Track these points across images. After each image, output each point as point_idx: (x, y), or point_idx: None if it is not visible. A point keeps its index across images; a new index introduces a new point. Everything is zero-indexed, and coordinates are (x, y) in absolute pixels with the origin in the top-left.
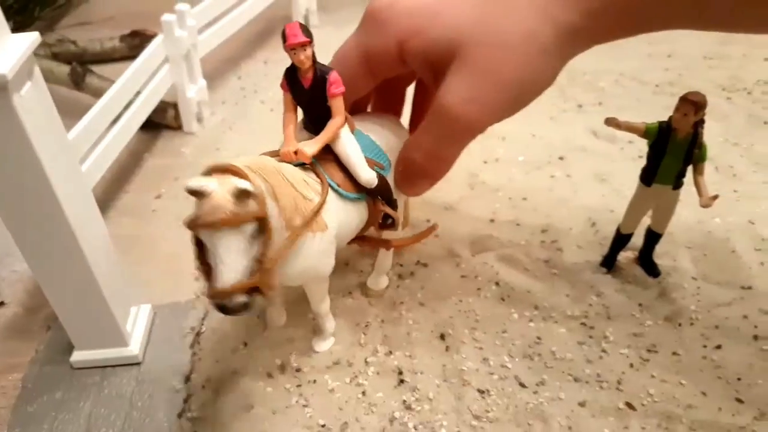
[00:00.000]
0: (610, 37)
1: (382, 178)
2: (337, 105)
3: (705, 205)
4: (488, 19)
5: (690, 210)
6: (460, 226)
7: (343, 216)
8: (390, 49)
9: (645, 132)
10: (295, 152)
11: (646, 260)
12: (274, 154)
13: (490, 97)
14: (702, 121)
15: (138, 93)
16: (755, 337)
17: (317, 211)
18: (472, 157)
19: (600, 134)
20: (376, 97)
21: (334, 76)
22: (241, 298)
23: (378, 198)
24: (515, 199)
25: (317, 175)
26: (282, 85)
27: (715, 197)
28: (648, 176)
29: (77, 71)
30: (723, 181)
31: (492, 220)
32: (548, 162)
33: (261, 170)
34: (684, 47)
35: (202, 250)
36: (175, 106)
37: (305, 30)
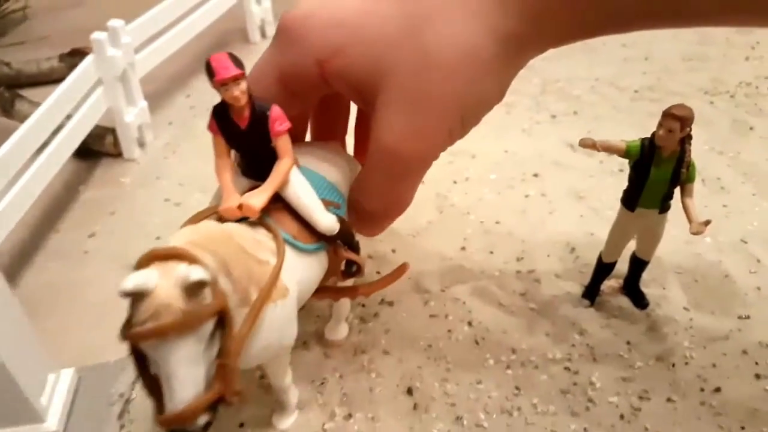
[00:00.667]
0: (562, 42)
1: (341, 221)
2: (284, 144)
3: (696, 232)
4: (419, 33)
5: (678, 229)
6: (429, 255)
7: (302, 272)
8: (309, 70)
9: (626, 152)
10: (240, 207)
11: (633, 289)
12: (212, 211)
13: (432, 127)
14: (689, 137)
15: (69, 118)
16: (757, 376)
17: (276, 275)
18: (440, 176)
19: (576, 147)
20: (313, 122)
21: (276, 111)
22: (203, 419)
23: (339, 243)
24: (487, 223)
25: (268, 230)
26: (210, 128)
27: (708, 222)
28: (631, 200)
29: (5, 96)
30: (710, 194)
31: (463, 248)
32: (522, 180)
33: (210, 243)
34: (661, 49)
35: (142, 362)
36: (113, 131)
37: (236, 60)
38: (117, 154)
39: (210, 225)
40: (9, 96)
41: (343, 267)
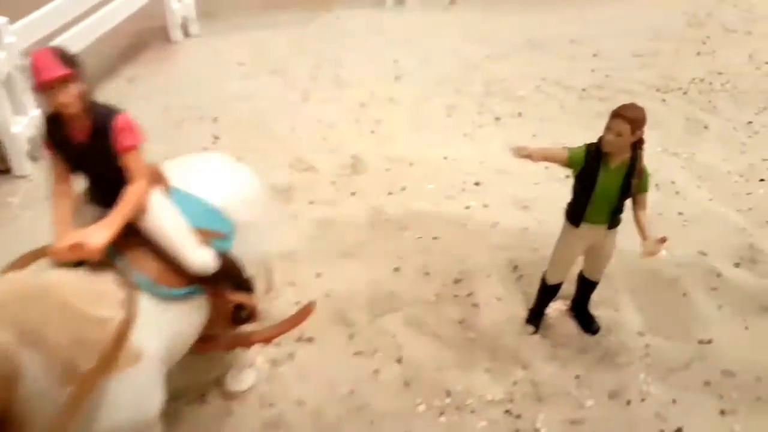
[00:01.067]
0: None
1: (224, 257)
2: (134, 162)
3: (650, 253)
4: None
5: (631, 242)
6: (358, 279)
7: (169, 325)
8: None
9: (568, 160)
10: (75, 246)
11: (581, 312)
12: (41, 253)
13: None
14: (641, 141)
15: None
16: (722, 412)
17: (122, 336)
18: (374, 186)
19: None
20: None
21: (122, 121)
22: None
23: (223, 285)
24: (425, 239)
25: (117, 274)
26: (45, 145)
27: (664, 240)
28: (575, 214)
29: None
30: (665, 201)
31: (397, 269)
32: (462, 189)
33: (9, 304)
34: (611, 45)
35: None
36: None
37: (65, 58)
38: (5, 171)
39: (21, 277)
40: None
41: (231, 313)
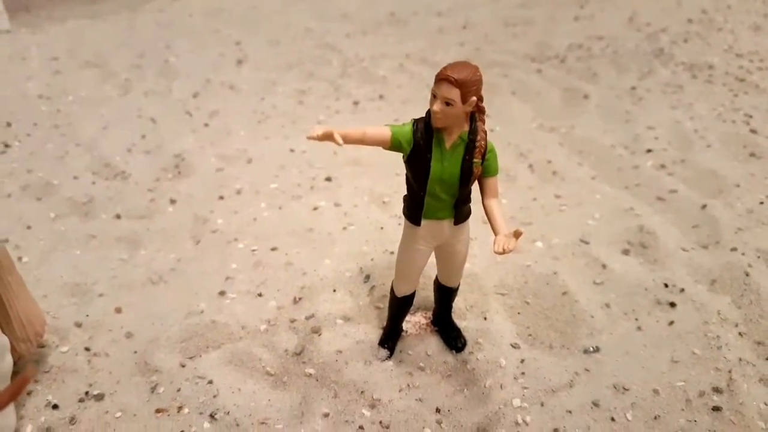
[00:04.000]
0: None
1: None
2: None
3: (501, 251)
4: None
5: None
6: (171, 311)
7: None
8: None
9: (391, 141)
10: None
11: (444, 325)
12: None
13: None
14: (480, 111)
15: None
16: None
17: None
18: (202, 191)
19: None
20: None
21: None
22: None
23: None
24: (261, 252)
25: None
26: None
27: (518, 234)
28: (413, 210)
29: None
30: (541, 184)
31: (222, 293)
32: (311, 187)
33: None
34: (480, 15)
35: None
36: None
37: None
38: None
39: None
40: None
41: None
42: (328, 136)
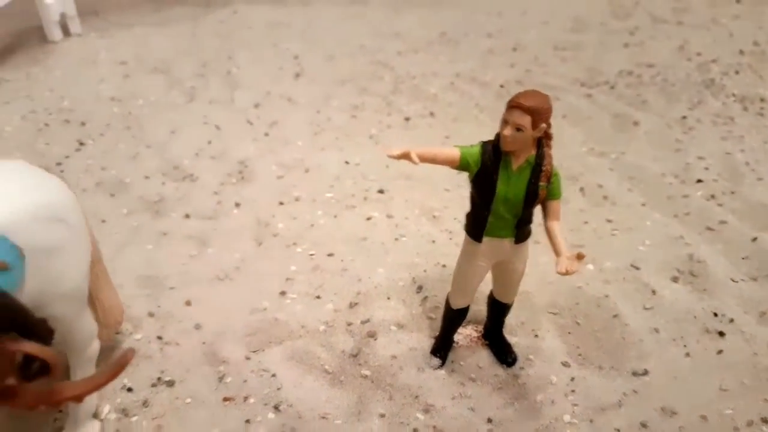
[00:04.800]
0: None
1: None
2: None
3: (565, 272)
4: None
5: (549, 255)
6: (236, 307)
7: None
8: None
9: (460, 161)
10: None
11: (496, 340)
12: None
13: None
14: (548, 137)
15: None
16: None
17: None
18: (264, 196)
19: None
20: None
21: None
22: None
23: (1, 330)
24: (318, 257)
25: None
26: None
27: (581, 257)
28: (476, 227)
29: None
30: (592, 208)
31: (283, 293)
32: (364, 198)
33: None
34: (530, 38)
35: None
36: None
37: None
38: None
39: None
40: None
41: (18, 366)
42: (405, 155)
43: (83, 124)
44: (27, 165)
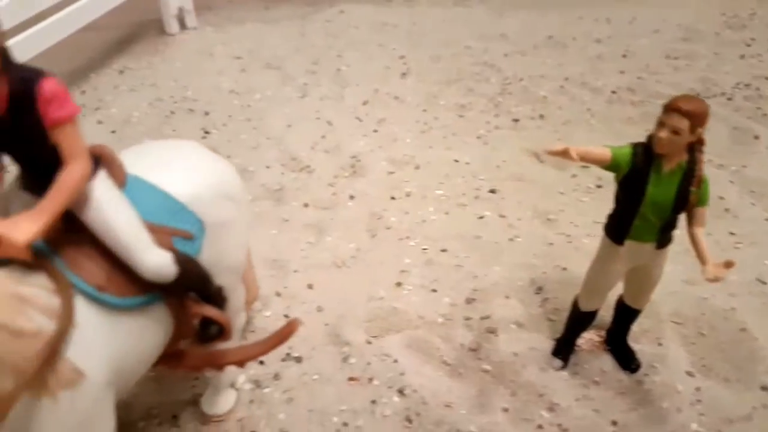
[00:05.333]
0: None
1: (186, 261)
2: (68, 139)
3: (714, 279)
4: None
5: (675, 263)
6: (355, 293)
7: (120, 341)
8: None
9: (611, 162)
10: None
11: (619, 346)
12: None
13: None
14: (701, 142)
15: None
16: None
17: (51, 354)
18: (376, 190)
19: (543, 157)
20: None
21: (50, 85)
22: None
23: (188, 294)
24: (431, 251)
25: (51, 278)
26: None
27: (730, 265)
28: (619, 229)
29: None
30: (714, 221)
31: (399, 284)
32: (476, 197)
33: None
34: (641, 45)
35: None
36: None
37: None
38: None
39: None
40: None
41: (197, 328)
42: (565, 151)
43: (207, 113)
44: (200, 146)
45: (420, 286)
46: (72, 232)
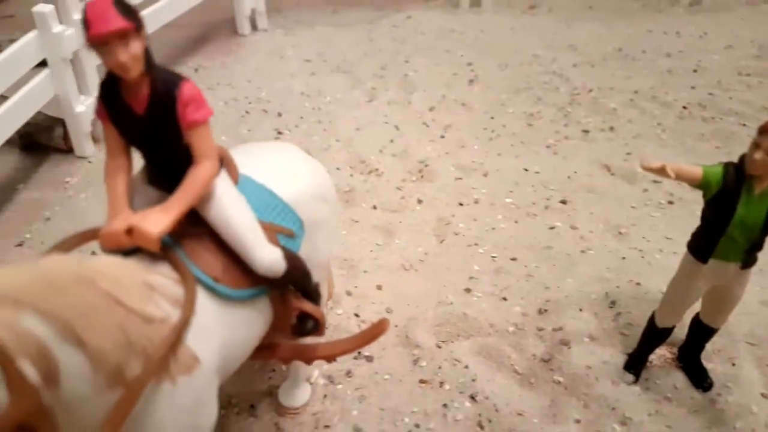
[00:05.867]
0: None
1: (292, 258)
2: (201, 140)
3: None
4: None
5: (750, 283)
6: (424, 297)
7: (230, 331)
8: None
9: (702, 180)
10: (129, 231)
11: (692, 364)
12: (91, 235)
13: None
14: None
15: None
16: None
17: (176, 340)
18: (444, 196)
19: (614, 169)
20: None
21: (189, 89)
22: None
23: (289, 289)
24: (501, 259)
25: (175, 268)
26: (98, 113)
27: None
28: (704, 248)
29: None
30: None
31: (468, 290)
32: (545, 207)
33: (36, 298)
34: (712, 61)
35: None
36: (63, 123)
37: (124, 8)
38: (67, 150)
39: (58, 263)
40: None
41: (294, 321)
42: (662, 169)
43: (279, 114)
44: (298, 149)
45: (490, 294)
46: (192, 225)
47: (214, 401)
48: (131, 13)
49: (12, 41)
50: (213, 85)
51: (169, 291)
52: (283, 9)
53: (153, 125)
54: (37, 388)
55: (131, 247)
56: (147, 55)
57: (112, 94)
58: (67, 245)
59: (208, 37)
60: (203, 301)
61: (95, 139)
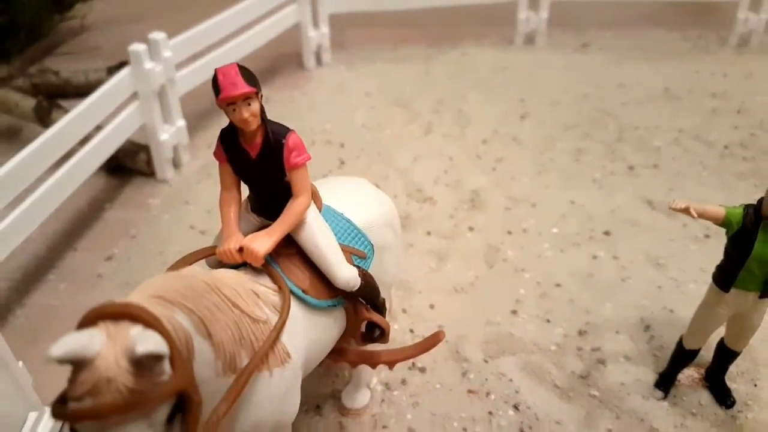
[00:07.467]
0: None
1: (365, 275)
2: (300, 179)
3: None
4: None
5: None
6: (473, 316)
7: (313, 334)
8: None
9: (724, 220)
10: (240, 250)
11: (717, 383)
12: (209, 252)
13: None
14: None
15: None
16: None
17: (275, 338)
18: (494, 225)
19: (656, 205)
20: None
21: (294, 139)
22: None
23: (360, 301)
24: (545, 285)
25: (274, 281)
26: (216, 154)
27: None
28: (726, 278)
29: (42, 106)
30: None
31: (514, 312)
32: (589, 237)
33: (186, 296)
34: (756, 102)
35: None
36: (147, 149)
37: (248, 75)
38: (150, 174)
39: (193, 273)
40: (47, 105)
41: (363, 329)
42: (686, 209)
43: (342, 145)
44: (368, 182)
45: (535, 316)
46: (285, 246)
47: (299, 392)
48: (253, 80)
49: (96, 71)
50: (281, 118)
51: (269, 298)
52: (346, 45)
53: (263, 166)
54: (191, 364)
55: (240, 263)
56: (262, 111)
57: (231, 140)
58: (190, 259)
59: (276, 70)
60: (294, 308)
61: (175, 165)
